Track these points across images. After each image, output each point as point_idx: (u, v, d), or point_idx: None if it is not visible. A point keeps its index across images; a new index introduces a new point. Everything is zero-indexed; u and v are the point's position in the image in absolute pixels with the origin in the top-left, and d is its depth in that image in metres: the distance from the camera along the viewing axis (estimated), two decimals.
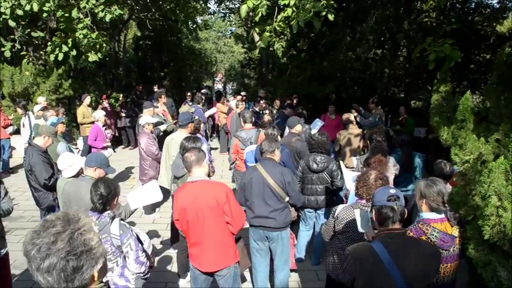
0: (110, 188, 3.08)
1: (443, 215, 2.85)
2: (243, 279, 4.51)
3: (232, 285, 3.44)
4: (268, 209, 3.93)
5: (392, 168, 4.97)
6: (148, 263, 3.14)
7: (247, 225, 5.98)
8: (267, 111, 9.19)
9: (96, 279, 1.43)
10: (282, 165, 4.40)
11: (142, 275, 3.12)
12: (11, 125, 9.28)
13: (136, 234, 3.15)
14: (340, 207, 3.39)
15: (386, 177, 3.45)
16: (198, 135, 5.86)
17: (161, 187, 4.12)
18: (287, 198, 4.00)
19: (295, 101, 10.32)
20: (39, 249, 1.31)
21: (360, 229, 2.88)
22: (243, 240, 3.80)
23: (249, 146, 5.86)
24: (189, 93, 12.62)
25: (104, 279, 1.52)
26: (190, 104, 10.44)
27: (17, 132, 9.98)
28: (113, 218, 3.05)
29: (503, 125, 2.84)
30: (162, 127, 7.31)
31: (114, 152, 10.52)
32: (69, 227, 1.36)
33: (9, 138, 9.18)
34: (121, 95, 12.77)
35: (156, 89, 13.10)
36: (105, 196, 3.03)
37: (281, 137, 6.14)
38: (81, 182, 3.72)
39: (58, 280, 1.33)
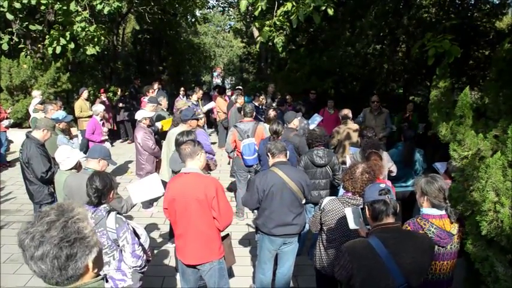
0: (105, 181, 3.07)
1: (443, 212, 2.83)
2: (231, 275, 4.47)
3: (218, 281, 3.43)
4: (291, 216, 3.75)
5: (387, 163, 4.94)
6: (145, 257, 3.13)
7: (245, 226, 6.10)
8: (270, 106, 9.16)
9: (90, 270, 1.42)
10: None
11: (139, 268, 3.11)
12: (7, 118, 9.25)
13: (133, 228, 3.14)
14: (326, 199, 3.42)
15: (374, 172, 3.45)
16: (200, 129, 5.85)
17: (162, 181, 4.12)
18: (304, 201, 3.86)
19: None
20: (33, 237, 1.31)
21: (353, 226, 2.87)
22: (230, 237, 3.78)
23: (246, 139, 5.89)
24: (182, 88, 12.44)
25: (101, 273, 1.51)
26: (184, 98, 10.36)
27: (15, 125, 9.96)
28: (109, 212, 3.03)
29: (501, 121, 2.85)
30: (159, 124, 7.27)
31: (112, 146, 10.52)
32: (63, 216, 1.36)
33: (5, 131, 9.16)
34: (119, 90, 12.70)
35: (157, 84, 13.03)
36: (101, 190, 3.02)
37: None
38: (83, 175, 3.69)
39: (52, 268, 1.32)
